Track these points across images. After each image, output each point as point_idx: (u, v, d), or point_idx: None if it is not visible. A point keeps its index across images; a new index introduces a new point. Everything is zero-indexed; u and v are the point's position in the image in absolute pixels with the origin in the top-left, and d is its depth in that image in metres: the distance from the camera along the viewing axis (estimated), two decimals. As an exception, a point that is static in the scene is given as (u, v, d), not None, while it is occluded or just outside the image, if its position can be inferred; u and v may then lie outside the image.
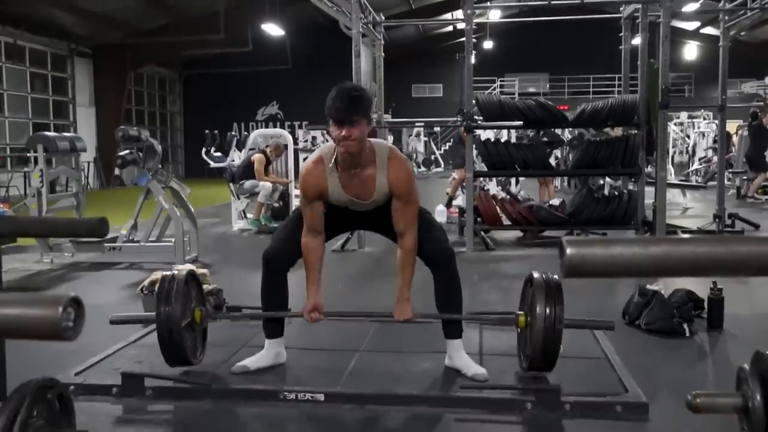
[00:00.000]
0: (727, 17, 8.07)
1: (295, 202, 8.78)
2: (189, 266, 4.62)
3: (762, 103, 12.48)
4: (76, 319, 0.90)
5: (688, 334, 3.78)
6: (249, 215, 9.05)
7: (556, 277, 2.95)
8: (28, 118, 17.85)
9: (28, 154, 6.25)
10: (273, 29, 19.00)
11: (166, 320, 2.97)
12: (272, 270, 3.17)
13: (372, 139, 2.97)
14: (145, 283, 4.43)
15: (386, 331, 3.82)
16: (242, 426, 2.76)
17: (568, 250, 1.04)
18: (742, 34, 9.87)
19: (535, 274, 2.98)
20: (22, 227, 1.80)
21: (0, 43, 16.57)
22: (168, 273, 3.15)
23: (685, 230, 7.61)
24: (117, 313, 3.35)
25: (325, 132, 11.72)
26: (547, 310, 2.82)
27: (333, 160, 2.94)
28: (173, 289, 3.02)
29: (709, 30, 23.46)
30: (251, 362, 3.19)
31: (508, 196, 8.31)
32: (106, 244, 6.31)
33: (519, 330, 3.13)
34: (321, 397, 2.84)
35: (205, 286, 4.43)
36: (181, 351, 3.02)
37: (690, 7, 16.87)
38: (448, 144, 23.76)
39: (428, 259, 3.09)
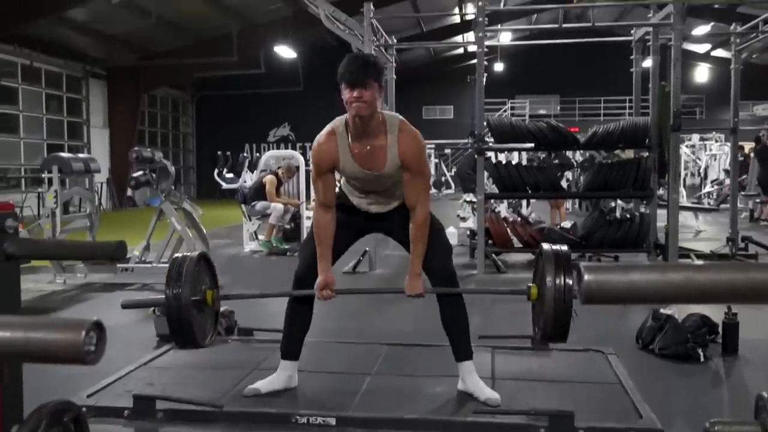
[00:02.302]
0: (738, 40, 8.08)
1: (307, 224, 8.80)
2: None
3: None
4: (98, 343, 0.91)
5: (702, 360, 3.74)
6: (260, 236, 9.07)
7: (565, 248, 2.95)
8: (42, 139, 18.01)
9: (42, 175, 6.33)
10: (285, 51, 19.16)
11: (174, 299, 2.92)
12: (303, 290, 3.14)
13: (384, 111, 3.00)
14: (158, 304, 4.44)
15: (398, 354, 3.81)
16: (254, 449, 2.75)
17: (586, 276, 1.04)
18: (754, 56, 9.88)
19: (545, 246, 2.97)
20: (43, 249, 1.81)
21: (17, 65, 16.77)
22: (178, 255, 3.11)
23: (698, 254, 7.56)
24: (126, 299, 3.30)
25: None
26: (557, 281, 2.81)
27: (345, 132, 2.95)
28: (183, 269, 2.97)
29: (720, 52, 23.47)
30: (263, 385, 3.18)
31: (519, 218, 8.30)
32: (118, 265, 6.34)
33: (532, 302, 3.10)
34: (333, 421, 2.83)
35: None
36: (189, 331, 2.97)
37: (701, 30, 16.95)
38: (454, 168, 23.59)
39: (431, 275, 3.09)
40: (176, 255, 3.14)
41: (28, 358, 0.95)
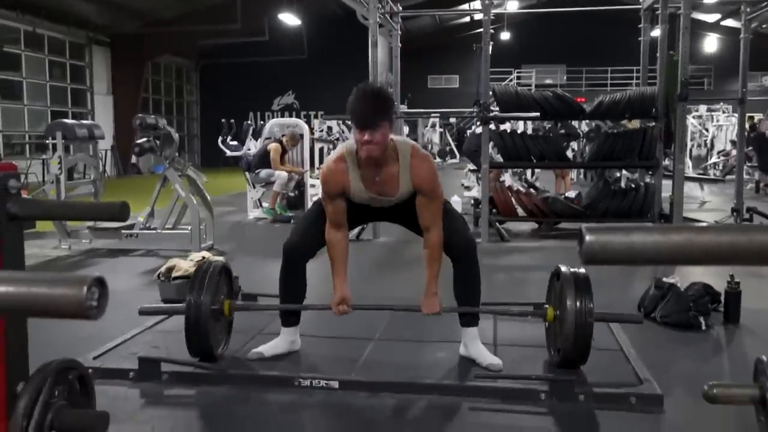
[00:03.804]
0: (749, 9, 7.96)
1: (311, 192, 8.80)
2: (204, 253, 4.66)
3: None
4: (100, 298, 0.92)
5: (704, 328, 3.75)
6: (264, 204, 9.08)
7: (583, 270, 2.95)
8: (46, 106, 17.98)
9: (46, 141, 6.33)
10: (289, 19, 19.03)
11: (195, 310, 2.98)
12: (292, 262, 3.18)
13: (394, 137, 2.94)
14: (162, 269, 4.46)
15: (401, 320, 3.83)
16: (257, 412, 2.77)
17: (588, 237, 1.03)
18: (764, 26, 9.76)
19: (563, 268, 2.98)
20: (46, 210, 1.82)
21: (19, 32, 16.68)
22: (201, 259, 3.17)
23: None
24: (144, 305, 3.39)
25: (340, 122, 11.72)
26: (578, 304, 2.82)
27: (355, 159, 2.92)
28: (206, 279, 3.03)
29: (729, 22, 23.18)
30: (266, 349, 3.21)
31: (526, 185, 8.28)
32: (123, 231, 6.37)
33: (547, 324, 3.13)
34: (335, 384, 2.85)
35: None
36: (206, 342, 3.04)
37: (711, -1, 16.70)
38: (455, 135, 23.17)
39: (450, 249, 3.07)
40: (200, 263, 3.19)
41: (31, 312, 0.96)
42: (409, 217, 3.08)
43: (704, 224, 0.95)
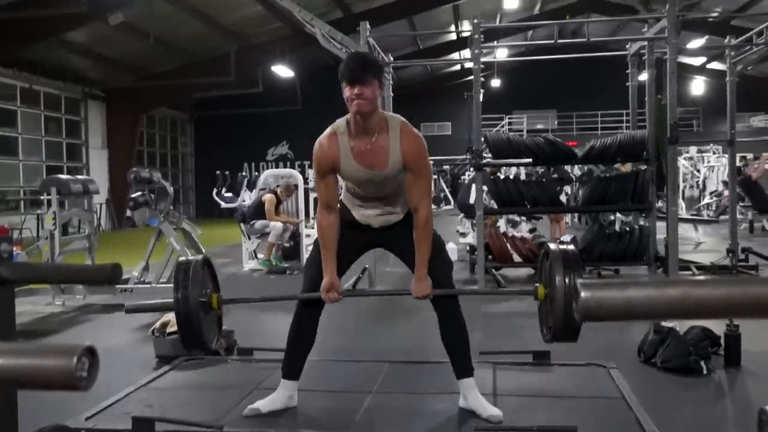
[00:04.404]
0: (733, 53, 8.11)
1: (306, 242, 8.80)
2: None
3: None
4: (90, 368, 0.90)
5: (705, 372, 3.72)
6: (260, 255, 9.05)
7: (572, 247, 2.92)
8: (41, 161, 18.05)
9: (41, 197, 6.35)
10: (283, 71, 19.27)
11: (184, 303, 2.91)
12: (307, 309, 3.14)
13: (385, 112, 3.00)
14: (157, 325, 4.42)
15: (399, 371, 3.79)
16: (254, 471, 2.72)
17: (583, 294, 1.02)
18: (749, 68, 9.92)
19: (551, 246, 2.94)
20: (37, 273, 1.80)
21: (16, 88, 16.86)
22: (183, 259, 3.11)
23: (698, 265, 7.55)
24: (130, 303, 3.30)
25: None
26: (567, 280, 2.77)
27: (345, 130, 2.95)
28: (190, 273, 2.97)
29: (715, 65, 23.61)
30: (263, 405, 3.16)
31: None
32: (117, 286, 6.32)
33: (539, 302, 3.06)
34: (334, 440, 2.80)
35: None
36: (200, 334, 2.97)
37: (696, 44, 17.06)
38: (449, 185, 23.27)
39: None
40: (181, 258, 3.14)
41: (19, 384, 0.94)
42: (401, 242, 3.08)
43: (702, 277, 0.95)
